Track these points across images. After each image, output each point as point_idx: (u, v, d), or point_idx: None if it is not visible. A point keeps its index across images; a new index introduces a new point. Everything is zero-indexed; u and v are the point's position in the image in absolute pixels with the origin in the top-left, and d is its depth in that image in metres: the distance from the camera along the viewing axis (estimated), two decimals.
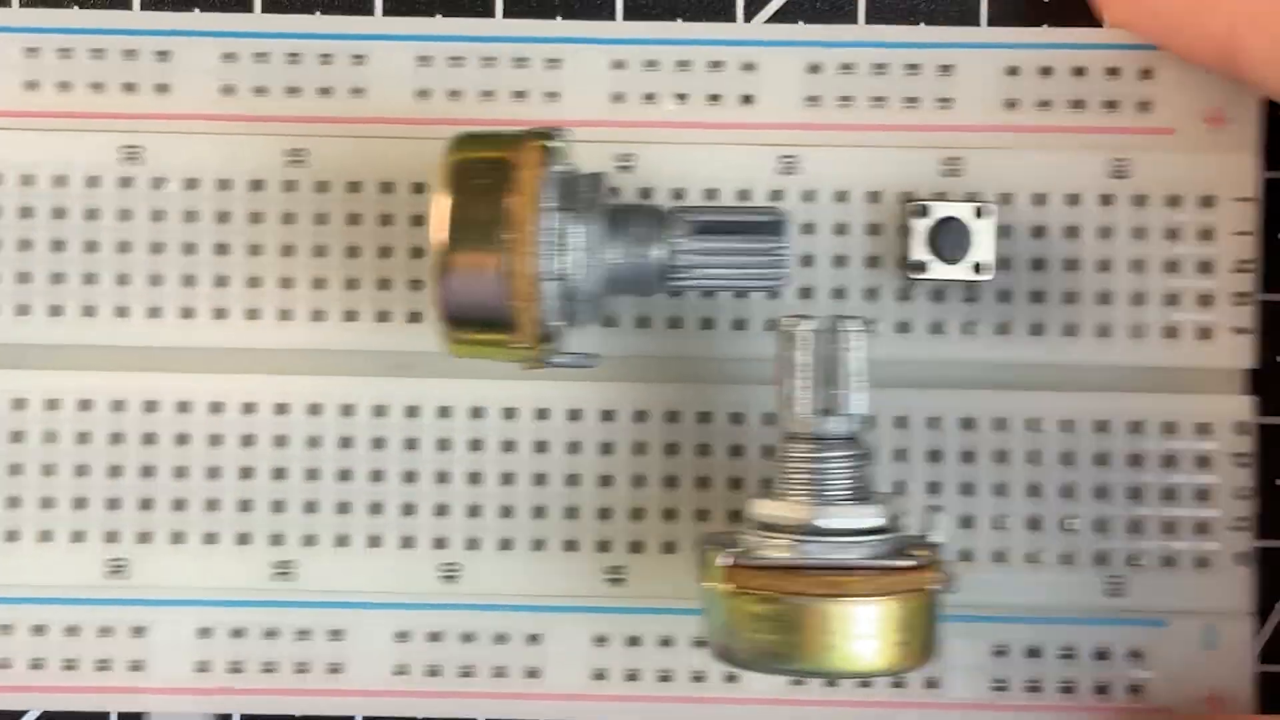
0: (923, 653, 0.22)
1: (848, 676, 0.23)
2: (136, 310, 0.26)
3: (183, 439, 0.26)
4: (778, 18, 0.27)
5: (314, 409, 0.26)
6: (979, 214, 0.25)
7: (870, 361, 0.23)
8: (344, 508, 0.26)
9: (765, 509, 0.23)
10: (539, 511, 0.26)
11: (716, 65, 0.26)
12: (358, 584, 0.26)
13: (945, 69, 0.26)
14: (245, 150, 0.26)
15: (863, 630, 0.22)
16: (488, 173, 0.21)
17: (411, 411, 0.26)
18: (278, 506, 0.26)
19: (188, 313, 0.26)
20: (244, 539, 0.26)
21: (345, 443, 0.26)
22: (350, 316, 0.26)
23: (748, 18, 0.27)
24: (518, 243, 0.21)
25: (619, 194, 0.26)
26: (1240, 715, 0.26)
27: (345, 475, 0.26)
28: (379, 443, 0.26)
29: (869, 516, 0.22)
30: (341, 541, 0.26)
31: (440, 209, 0.22)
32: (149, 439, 0.26)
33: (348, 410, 0.26)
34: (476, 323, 0.22)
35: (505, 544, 0.26)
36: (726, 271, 0.22)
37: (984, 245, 0.25)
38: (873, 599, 0.22)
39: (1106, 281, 0.26)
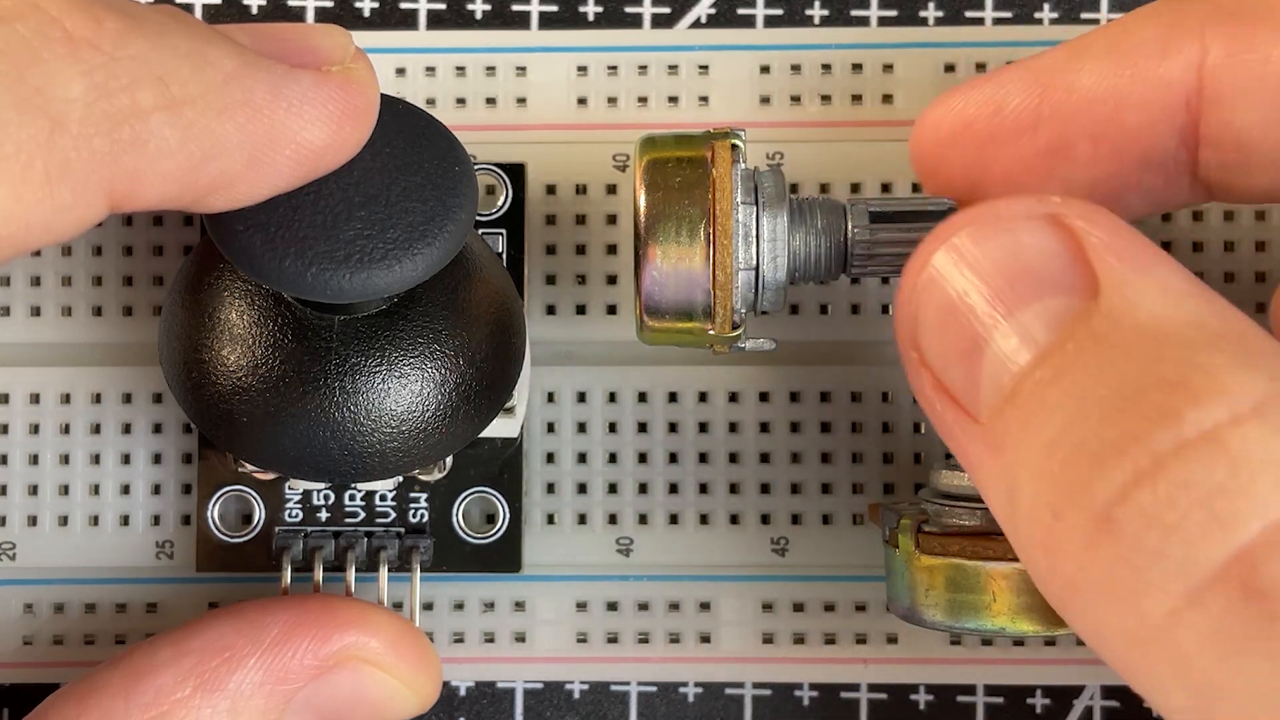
0: None
1: (1034, 636, 0.25)
2: None
3: None
4: (907, 21, 0.29)
5: None
6: None
7: None
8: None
9: (950, 480, 0.24)
10: (704, 488, 0.27)
11: (857, 68, 0.28)
12: (538, 558, 0.27)
13: None
14: None
15: None
16: (683, 170, 0.22)
17: (581, 397, 0.28)
18: None
19: None
20: None
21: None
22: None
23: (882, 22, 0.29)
24: (716, 236, 0.22)
25: (797, 189, 0.27)
26: None
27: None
28: (552, 427, 0.28)
29: None
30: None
31: (640, 205, 0.22)
32: None
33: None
34: (674, 312, 0.22)
35: (673, 519, 0.27)
36: (904, 258, 0.23)
37: None
38: None
39: None
